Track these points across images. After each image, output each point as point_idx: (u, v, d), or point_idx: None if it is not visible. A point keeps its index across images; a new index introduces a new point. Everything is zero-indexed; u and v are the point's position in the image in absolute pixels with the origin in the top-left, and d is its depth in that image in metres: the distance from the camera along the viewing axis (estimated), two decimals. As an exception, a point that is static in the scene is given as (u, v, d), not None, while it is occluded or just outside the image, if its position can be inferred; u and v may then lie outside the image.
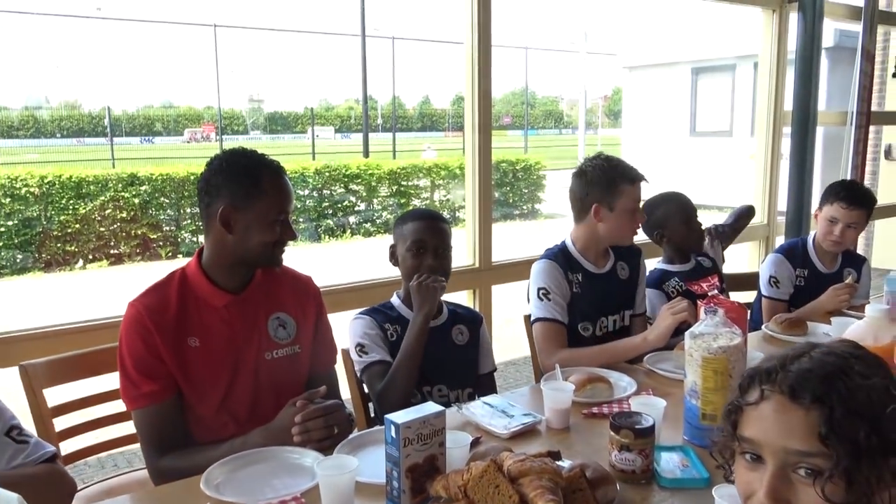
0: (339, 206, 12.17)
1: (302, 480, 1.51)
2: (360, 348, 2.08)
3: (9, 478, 1.42)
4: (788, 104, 4.36)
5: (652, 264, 2.76)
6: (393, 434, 1.38)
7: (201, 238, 8.38)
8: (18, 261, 9.43)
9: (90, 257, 9.84)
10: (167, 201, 10.40)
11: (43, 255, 9.59)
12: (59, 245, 9.62)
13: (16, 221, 9.30)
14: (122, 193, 9.95)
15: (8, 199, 9.24)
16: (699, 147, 13.94)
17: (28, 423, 1.62)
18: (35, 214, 9.47)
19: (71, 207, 9.61)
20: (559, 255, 2.39)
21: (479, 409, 1.84)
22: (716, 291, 1.94)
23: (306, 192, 11.59)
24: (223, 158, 1.82)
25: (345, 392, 2.09)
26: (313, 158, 18.33)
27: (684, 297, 2.19)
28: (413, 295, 2.06)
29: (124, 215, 10.00)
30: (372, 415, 2.19)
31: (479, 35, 3.11)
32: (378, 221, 12.56)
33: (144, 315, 1.75)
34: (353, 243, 11.71)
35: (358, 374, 2.13)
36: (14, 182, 9.33)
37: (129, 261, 10.04)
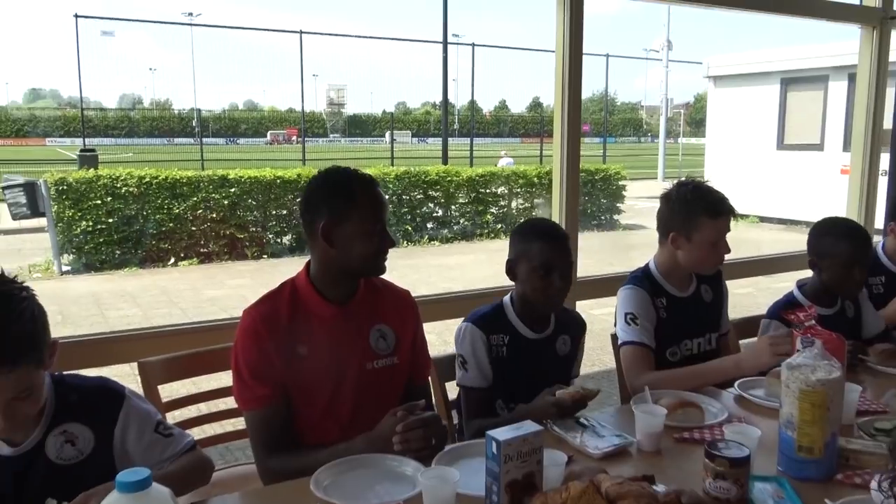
0: (418, 211, 12.34)
1: (403, 488, 1.60)
2: (462, 362, 2.14)
3: (166, 472, 1.58)
4: (888, 121, 4.22)
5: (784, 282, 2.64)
6: (494, 450, 1.45)
7: (285, 239, 8.77)
8: (117, 256, 9.96)
9: (182, 255, 10.30)
10: (254, 203, 10.78)
11: (139, 252, 10.11)
12: (154, 242, 10.13)
13: (116, 219, 9.83)
14: (213, 195, 10.38)
15: (109, 198, 9.78)
16: (787, 160, 13.50)
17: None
18: (133, 213, 9.99)
19: (166, 207, 10.10)
20: (644, 281, 2.41)
21: (570, 428, 1.89)
22: (813, 322, 1.92)
23: (386, 196, 11.77)
24: (321, 177, 1.95)
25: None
26: (392, 164, 18.61)
27: (785, 328, 2.17)
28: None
29: (214, 216, 10.43)
30: (455, 422, 2.26)
31: (571, 43, 3.13)
32: (455, 228, 12.68)
33: (259, 323, 1.87)
34: (430, 249, 11.86)
35: (457, 384, 2.19)
36: (115, 182, 9.87)
37: (217, 259, 10.47)
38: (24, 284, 1.49)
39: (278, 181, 10.78)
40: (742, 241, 10.59)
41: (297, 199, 10.83)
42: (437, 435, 1.73)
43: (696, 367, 2.30)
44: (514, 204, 13.42)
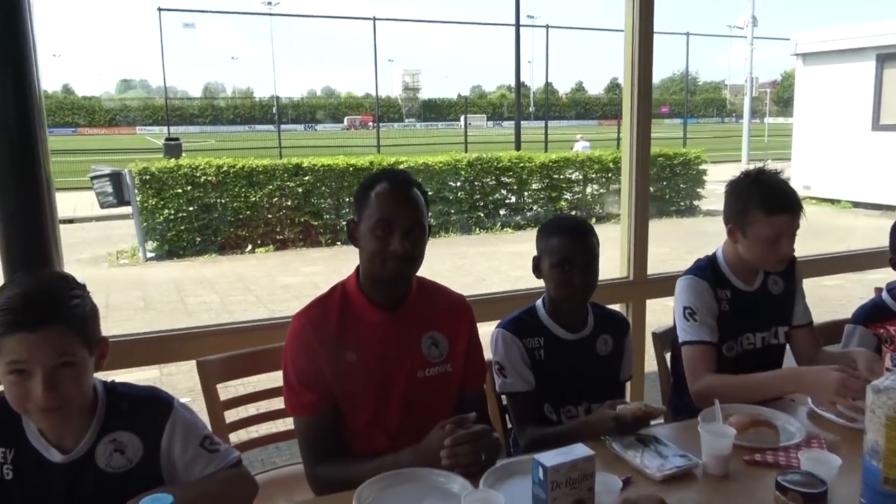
0: (490, 198, 12.24)
1: (447, 506, 1.53)
2: (500, 369, 2.06)
3: (203, 483, 1.56)
4: None
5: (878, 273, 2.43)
6: (541, 476, 1.37)
7: None
8: (198, 243, 10.29)
9: (258, 242, 10.56)
10: (328, 191, 10.92)
11: (218, 239, 10.42)
12: (231, 230, 10.41)
13: (196, 207, 10.15)
14: (288, 183, 10.58)
15: (189, 187, 10.11)
16: (884, 142, 12.70)
17: (202, 415, 1.76)
18: (212, 201, 10.29)
19: (243, 195, 10.36)
20: (707, 271, 2.26)
21: (629, 445, 1.78)
22: (905, 337, 1.74)
23: (458, 183, 11.75)
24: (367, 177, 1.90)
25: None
26: (465, 150, 18.54)
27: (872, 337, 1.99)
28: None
29: (289, 203, 10.63)
30: (510, 429, 2.18)
31: (641, 22, 2.97)
32: (528, 214, 12.52)
33: (308, 329, 1.83)
34: (502, 236, 11.76)
35: (499, 391, 2.11)
36: (195, 171, 10.18)
37: (292, 246, 10.68)
38: (82, 283, 1.51)
39: (351, 169, 10.90)
40: (833, 228, 10.12)
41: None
42: (487, 449, 1.66)
43: (760, 375, 2.11)
44: (588, 190, 13.16)
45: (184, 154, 15.11)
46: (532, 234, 2.22)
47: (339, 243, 10.80)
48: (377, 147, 25.26)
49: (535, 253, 2.11)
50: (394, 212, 1.78)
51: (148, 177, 9.91)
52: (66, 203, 12.47)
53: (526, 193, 12.59)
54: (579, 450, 1.43)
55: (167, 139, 19.38)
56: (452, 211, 11.70)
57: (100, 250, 10.41)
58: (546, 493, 1.35)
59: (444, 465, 1.62)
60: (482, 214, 12.04)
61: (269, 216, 10.57)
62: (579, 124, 46.18)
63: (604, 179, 13.11)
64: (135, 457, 1.53)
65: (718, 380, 2.11)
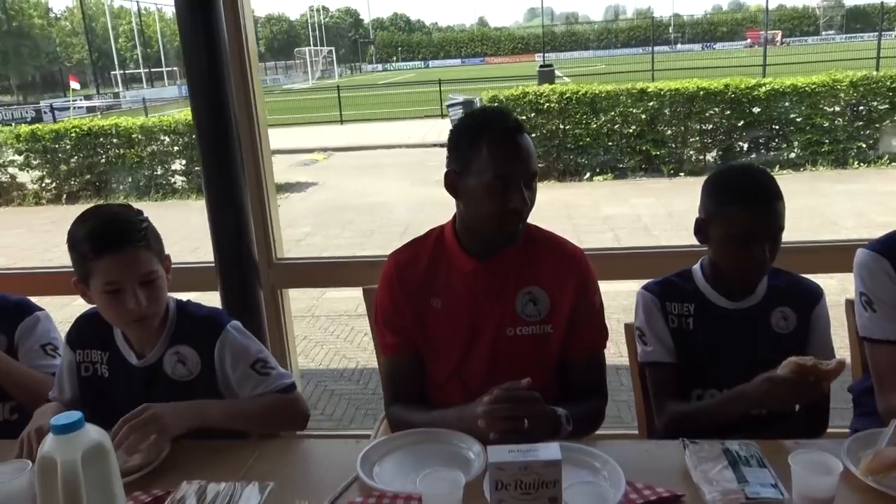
0: (877, 126, 10.15)
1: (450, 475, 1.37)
2: (640, 335, 1.81)
3: (245, 402, 1.69)
4: None
5: None
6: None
7: (709, 156, 8.28)
8: (539, 168, 10.57)
9: (597, 170, 10.46)
10: (673, 117, 10.24)
11: (559, 166, 10.57)
12: (571, 157, 10.47)
13: (537, 134, 10.39)
14: (631, 109, 10.17)
15: (533, 114, 10.36)
16: None
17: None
18: (553, 128, 10.41)
19: (584, 122, 10.27)
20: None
21: (710, 455, 1.40)
22: None
23: (836, 108, 9.99)
24: (461, 118, 1.74)
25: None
26: (877, 68, 15.47)
27: None
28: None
29: (630, 130, 10.25)
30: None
31: None
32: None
33: (394, 270, 1.80)
34: (886, 173, 9.74)
35: (639, 360, 1.85)
36: (539, 98, 10.37)
37: (631, 175, 10.35)
38: (140, 210, 1.71)
39: (701, 93, 10.00)
40: None
41: (725, 112, 9.96)
42: (532, 416, 1.46)
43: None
44: None
45: (567, 80, 15.45)
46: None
47: (681, 174, 10.13)
48: (762, 68, 22.62)
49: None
50: (513, 165, 1.61)
51: (496, 104, 10.41)
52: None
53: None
54: (545, 451, 1.19)
55: (541, 66, 20.03)
56: (826, 141, 10.02)
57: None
58: (490, 493, 1.18)
59: (480, 426, 1.47)
60: (863, 145, 10.08)
61: (610, 143, 10.35)
62: None
63: None
64: (194, 369, 1.72)
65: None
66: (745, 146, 10.42)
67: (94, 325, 1.76)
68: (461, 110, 10.37)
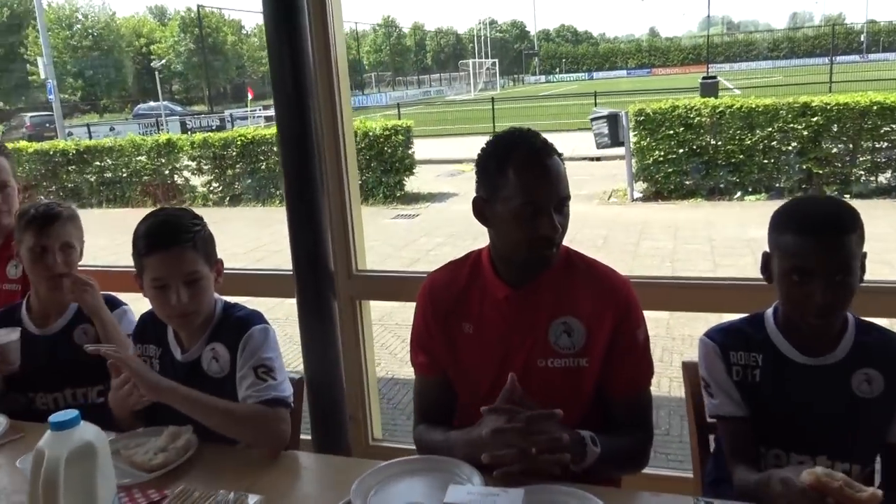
0: None
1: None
2: (706, 385, 1.66)
3: (233, 408, 1.71)
4: None
5: None
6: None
7: (882, 178, 7.66)
8: (685, 186, 10.09)
9: (749, 189, 9.78)
10: (842, 134, 9.37)
11: (709, 183, 10.00)
12: (722, 174, 9.87)
13: (686, 150, 9.90)
14: (792, 124, 9.42)
15: (682, 128, 9.87)
16: None
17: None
18: (704, 144, 9.87)
19: (738, 137, 9.66)
20: None
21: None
22: None
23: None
24: (489, 141, 1.68)
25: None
26: None
27: None
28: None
29: (791, 147, 9.50)
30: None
31: None
32: None
33: (429, 290, 1.79)
34: None
35: (707, 414, 1.71)
36: (689, 112, 9.87)
37: (788, 195, 9.57)
38: (199, 216, 1.83)
39: (875, 108, 9.06)
40: None
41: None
42: (545, 447, 1.40)
43: None
44: None
45: (738, 92, 14.64)
46: None
47: (846, 196, 9.22)
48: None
49: None
50: (541, 190, 1.55)
51: (643, 118, 10.04)
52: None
53: None
54: (504, 497, 1.13)
55: (703, 78, 19.08)
56: None
57: (600, 188, 11.12)
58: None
59: (483, 460, 1.43)
60: None
61: (766, 161, 9.63)
62: None
63: None
64: (226, 366, 1.79)
65: None
66: (928, 168, 9.34)
67: (153, 322, 1.89)
68: (605, 124, 10.09)
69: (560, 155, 1.62)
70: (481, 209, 1.63)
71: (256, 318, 1.83)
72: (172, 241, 1.72)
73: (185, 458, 1.61)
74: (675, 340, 4.76)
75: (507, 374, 1.65)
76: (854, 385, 1.51)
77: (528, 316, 1.65)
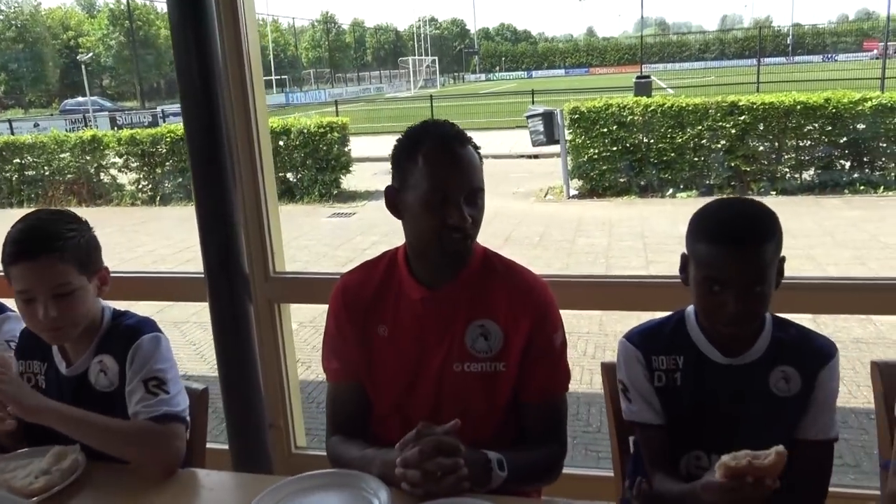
0: None
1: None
2: (623, 389, 1.60)
3: (117, 426, 1.57)
4: None
5: None
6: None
7: (805, 175, 7.99)
8: (619, 183, 10.23)
9: (681, 186, 9.98)
10: (767, 132, 9.64)
11: (640, 181, 10.17)
12: (654, 172, 10.04)
13: (619, 147, 10.04)
14: (720, 123, 9.66)
15: (615, 126, 10.00)
16: None
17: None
18: (636, 141, 10.04)
19: (669, 136, 9.84)
20: None
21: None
22: None
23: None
24: (404, 132, 1.60)
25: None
26: None
27: None
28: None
29: (719, 146, 9.73)
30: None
31: None
32: None
33: (341, 293, 1.69)
34: None
35: (624, 418, 1.64)
36: (622, 110, 10.01)
37: (718, 192, 9.81)
38: (83, 219, 1.66)
39: (799, 107, 9.35)
40: None
41: (825, 128, 9.32)
42: (448, 470, 1.33)
43: None
44: None
45: (671, 92, 14.94)
46: None
47: (772, 193, 9.49)
48: (881, 81, 21.01)
49: None
50: (451, 178, 1.49)
51: (577, 116, 10.12)
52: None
53: None
54: None
55: (637, 77, 19.43)
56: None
57: (537, 185, 11.18)
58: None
59: (396, 481, 1.36)
60: None
61: (696, 159, 9.84)
62: None
63: None
64: (115, 379, 1.64)
65: None
66: (847, 164, 9.69)
67: (35, 335, 1.70)
68: (541, 122, 10.14)
69: (477, 147, 1.56)
70: (393, 200, 1.56)
71: (147, 325, 1.69)
72: (39, 249, 1.53)
73: (71, 480, 1.47)
74: (607, 337, 4.78)
75: (421, 380, 1.61)
76: (772, 383, 1.49)
77: (444, 318, 1.58)
